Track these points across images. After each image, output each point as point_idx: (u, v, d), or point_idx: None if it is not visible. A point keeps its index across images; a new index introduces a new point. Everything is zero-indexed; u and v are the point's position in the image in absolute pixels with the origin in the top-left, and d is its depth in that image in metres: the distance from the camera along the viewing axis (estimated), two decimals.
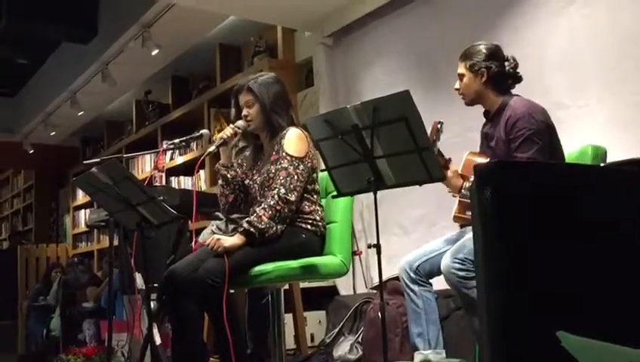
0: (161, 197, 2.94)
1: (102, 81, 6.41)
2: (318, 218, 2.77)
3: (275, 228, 2.62)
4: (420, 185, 2.41)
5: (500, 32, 3.72)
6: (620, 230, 1.26)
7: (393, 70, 4.55)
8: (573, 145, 2.76)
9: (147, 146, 6.21)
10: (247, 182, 2.91)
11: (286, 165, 2.69)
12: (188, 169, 6.45)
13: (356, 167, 2.41)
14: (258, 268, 2.61)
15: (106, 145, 8.54)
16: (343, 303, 4.09)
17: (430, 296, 2.84)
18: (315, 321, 4.40)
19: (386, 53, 4.66)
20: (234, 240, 2.60)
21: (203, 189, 5.84)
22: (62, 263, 8.14)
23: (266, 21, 5.36)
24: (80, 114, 7.61)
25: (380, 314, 2.44)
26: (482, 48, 2.75)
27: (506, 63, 2.76)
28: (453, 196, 2.82)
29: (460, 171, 2.71)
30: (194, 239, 2.79)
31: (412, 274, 2.82)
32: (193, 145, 6.28)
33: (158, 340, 2.78)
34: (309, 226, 2.74)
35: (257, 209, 2.65)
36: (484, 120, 2.88)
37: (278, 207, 2.62)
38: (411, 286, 2.83)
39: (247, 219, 2.64)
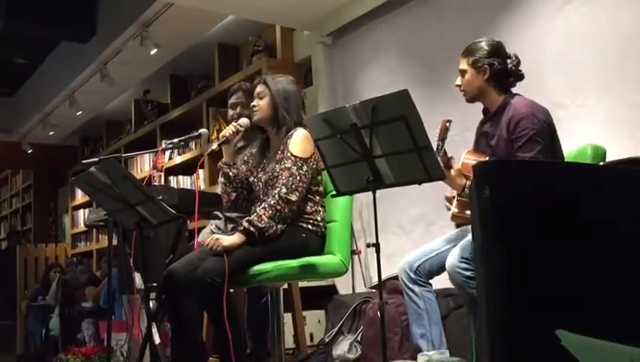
0: (160, 197, 2.94)
1: (100, 80, 6.40)
2: (319, 218, 2.77)
3: (275, 227, 2.62)
4: (419, 184, 2.40)
5: (499, 31, 3.71)
6: (619, 229, 1.26)
7: (392, 69, 4.55)
8: (572, 144, 2.76)
9: (146, 146, 6.21)
10: (251, 179, 2.91)
11: (289, 165, 2.70)
12: (187, 168, 6.45)
13: (355, 166, 2.41)
14: (257, 268, 2.61)
15: (104, 145, 8.53)
16: (342, 302, 4.09)
17: (431, 296, 2.82)
18: (315, 320, 4.40)
19: (384, 53, 4.66)
20: (233, 239, 2.61)
21: (202, 188, 5.83)
22: (61, 263, 8.14)
23: (265, 20, 5.37)
24: (79, 113, 7.59)
25: (379, 313, 2.43)
26: (485, 45, 2.74)
27: (509, 61, 2.74)
28: (447, 197, 2.81)
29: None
30: (195, 238, 2.79)
31: (412, 275, 2.81)
32: (192, 144, 6.26)
33: (157, 340, 2.77)
34: (309, 226, 2.74)
35: (258, 208, 2.66)
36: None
37: (278, 207, 2.62)
38: (411, 286, 2.81)
39: (247, 218, 2.64)
